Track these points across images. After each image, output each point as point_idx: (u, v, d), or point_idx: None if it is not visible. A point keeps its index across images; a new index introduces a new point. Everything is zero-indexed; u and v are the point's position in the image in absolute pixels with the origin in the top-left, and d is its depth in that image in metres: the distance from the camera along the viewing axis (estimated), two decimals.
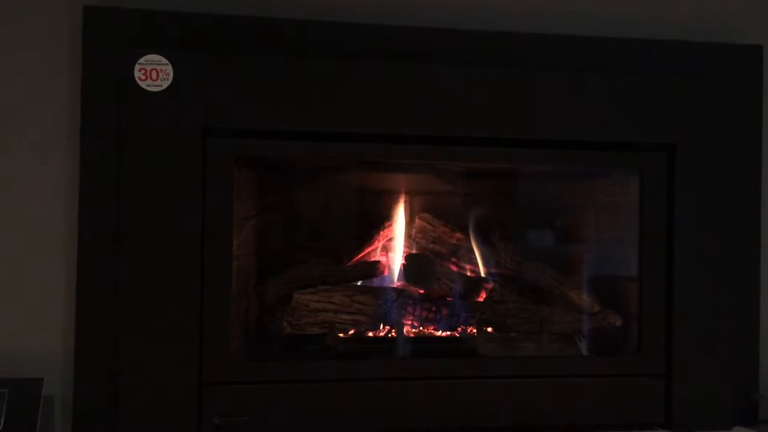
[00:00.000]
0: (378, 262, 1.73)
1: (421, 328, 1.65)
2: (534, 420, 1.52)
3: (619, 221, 1.67)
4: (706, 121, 1.56)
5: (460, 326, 1.66)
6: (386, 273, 1.72)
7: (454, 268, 1.76)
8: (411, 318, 1.64)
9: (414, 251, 1.74)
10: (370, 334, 1.63)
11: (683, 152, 1.56)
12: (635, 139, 1.56)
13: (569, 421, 1.53)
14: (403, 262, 1.71)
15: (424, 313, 1.64)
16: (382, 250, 1.76)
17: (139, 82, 1.39)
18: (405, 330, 1.63)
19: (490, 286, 1.72)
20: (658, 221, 1.56)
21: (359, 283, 1.70)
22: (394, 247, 1.75)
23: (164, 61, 1.40)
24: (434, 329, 1.65)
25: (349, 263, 1.73)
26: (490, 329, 1.67)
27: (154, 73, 1.39)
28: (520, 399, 1.52)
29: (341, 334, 1.60)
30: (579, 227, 1.80)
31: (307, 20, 1.53)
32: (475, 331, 1.65)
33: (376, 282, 1.71)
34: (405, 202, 1.76)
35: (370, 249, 1.76)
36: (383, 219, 1.76)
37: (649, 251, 1.56)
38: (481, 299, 1.71)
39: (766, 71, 1.66)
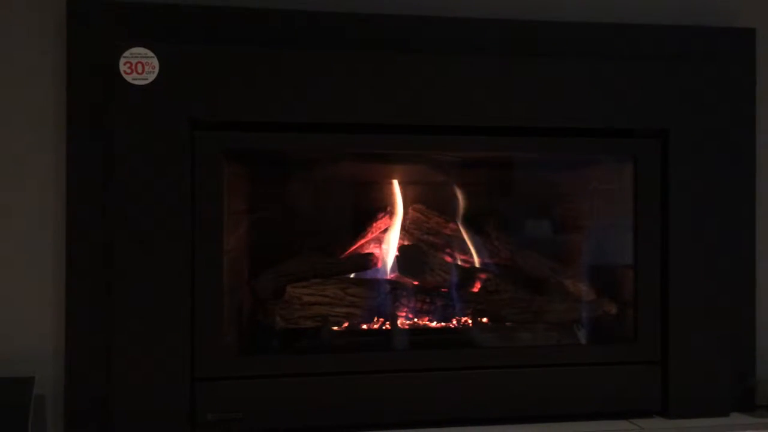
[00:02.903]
0: (371, 254, 1.72)
1: (415, 319, 1.64)
2: (531, 409, 1.52)
3: (614, 208, 1.66)
4: (699, 105, 1.55)
5: (455, 317, 1.65)
6: (379, 265, 1.71)
7: (448, 258, 1.74)
8: (405, 310, 1.63)
9: (407, 242, 1.73)
10: (364, 326, 1.61)
11: (677, 138, 1.55)
12: (628, 126, 1.55)
13: (566, 410, 1.53)
14: (397, 253, 1.69)
15: (419, 305, 1.63)
16: (375, 242, 1.75)
17: (125, 76, 1.37)
18: (399, 322, 1.62)
19: (484, 276, 1.71)
20: (653, 208, 1.55)
21: (352, 276, 1.69)
22: (387, 239, 1.74)
23: (150, 53, 1.38)
24: (429, 321, 1.64)
25: (342, 256, 1.72)
26: (485, 320, 1.66)
27: (140, 66, 1.38)
28: (517, 389, 1.51)
29: (335, 328, 1.59)
30: (573, 215, 1.78)
31: (295, 10, 1.51)
32: (470, 321, 1.64)
33: (369, 274, 1.70)
34: (398, 193, 1.74)
35: (363, 241, 1.75)
36: (376, 210, 1.75)
37: (644, 238, 1.56)
38: (475, 290, 1.70)
39: (759, 54, 1.65)
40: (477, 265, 1.74)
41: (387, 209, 1.73)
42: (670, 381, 1.55)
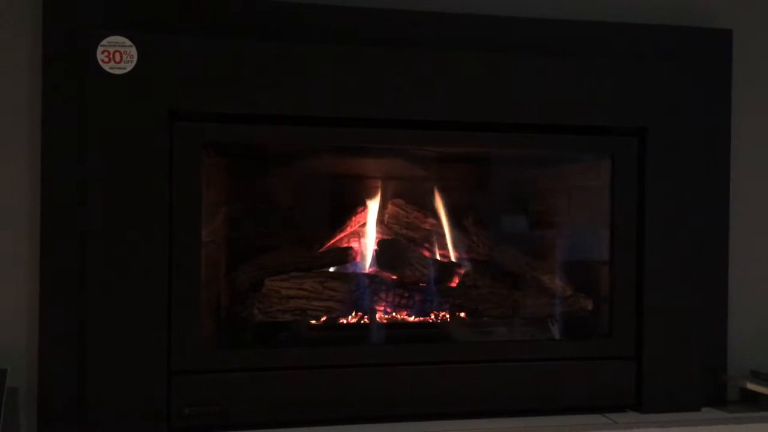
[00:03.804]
0: (350, 248, 1.72)
1: (393, 314, 1.64)
2: (506, 403, 1.52)
3: (591, 206, 1.67)
4: (676, 104, 1.57)
5: (433, 312, 1.66)
6: (358, 259, 1.71)
7: (426, 253, 1.75)
8: (384, 304, 1.63)
9: (386, 237, 1.73)
10: (343, 320, 1.61)
11: (654, 136, 1.56)
12: (606, 123, 1.56)
13: (542, 404, 1.54)
14: (376, 247, 1.69)
15: (397, 299, 1.63)
16: (354, 236, 1.75)
17: (102, 65, 1.35)
18: (378, 316, 1.62)
19: (462, 271, 1.72)
20: (629, 205, 1.57)
21: (332, 270, 1.68)
22: (366, 233, 1.73)
23: (128, 42, 1.36)
24: (407, 315, 1.65)
25: (321, 249, 1.72)
26: (462, 314, 1.66)
27: (117, 55, 1.36)
28: (492, 383, 1.52)
29: (313, 321, 1.58)
30: (551, 212, 1.80)
31: (281, 1, 1.50)
32: (447, 316, 1.65)
33: (348, 268, 1.70)
34: (377, 187, 1.74)
35: (342, 235, 1.74)
36: (355, 204, 1.74)
37: (620, 235, 1.57)
38: (454, 284, 1.71)
39: (736, 55, 1.67)
40: (455, 260, 1.75)
41: (366, 203, 1.73)
42: (643, 376, 1.56)
